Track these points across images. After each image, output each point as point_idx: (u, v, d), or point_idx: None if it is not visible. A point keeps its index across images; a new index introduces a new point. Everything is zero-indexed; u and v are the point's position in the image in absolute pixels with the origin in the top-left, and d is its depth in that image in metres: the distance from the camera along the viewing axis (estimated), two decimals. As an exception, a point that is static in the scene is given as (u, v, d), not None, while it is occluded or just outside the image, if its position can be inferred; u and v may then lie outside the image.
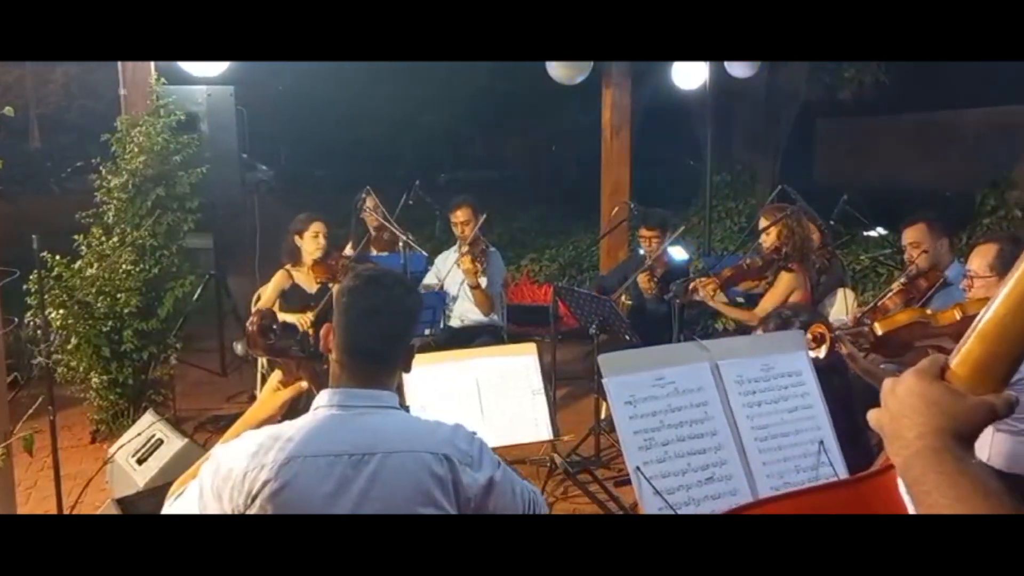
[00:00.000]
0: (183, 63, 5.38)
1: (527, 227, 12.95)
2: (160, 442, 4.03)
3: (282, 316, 4.78)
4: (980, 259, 3.36)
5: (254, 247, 6.12)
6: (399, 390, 2.88)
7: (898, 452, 0.92)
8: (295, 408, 1.98)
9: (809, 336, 2.40)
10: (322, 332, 1.87)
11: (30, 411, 3.65)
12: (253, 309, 4.73)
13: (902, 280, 4.31)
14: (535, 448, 4.34)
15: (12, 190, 13.19)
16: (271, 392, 2.08)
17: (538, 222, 13.43)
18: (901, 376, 0.95)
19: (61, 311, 4.92)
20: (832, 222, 5.38)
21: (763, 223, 4.72)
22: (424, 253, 5.66)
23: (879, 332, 3.38)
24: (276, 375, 2.08)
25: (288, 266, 5.09)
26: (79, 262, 5.06)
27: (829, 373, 2.37)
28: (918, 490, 0.88)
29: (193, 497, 1.80)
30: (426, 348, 4.65)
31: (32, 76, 20.59)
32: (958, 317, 3.20)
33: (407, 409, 2.75)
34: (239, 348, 5.22)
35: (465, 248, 5.20)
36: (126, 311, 5.04)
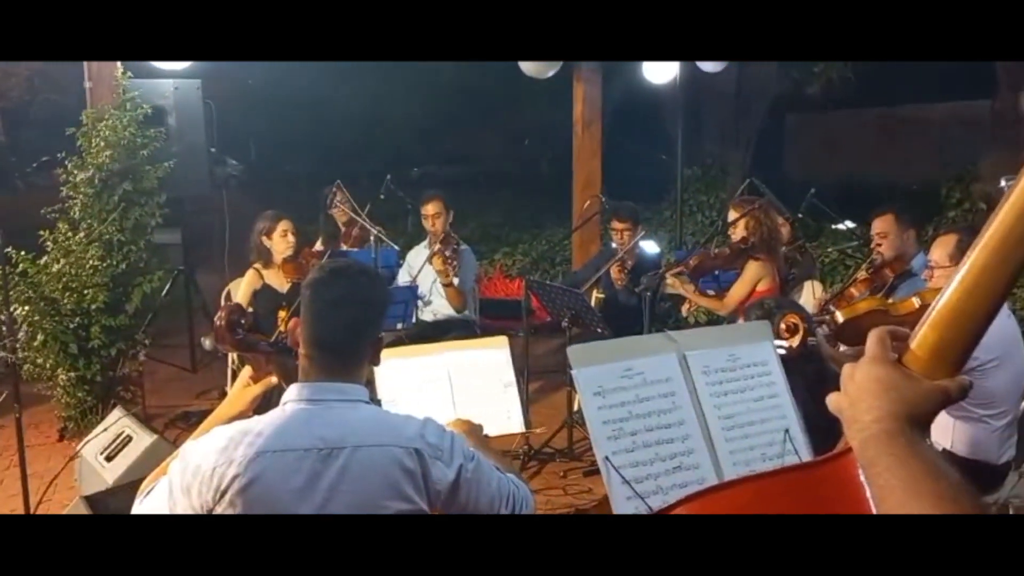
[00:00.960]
0: (149, 56, 5.31)
1: (499, 221, 12.94)
2: (129, 439, 3.99)
3: None
4: (941, 249, 3.43)
5: (223, 242, 6.07)
6: (370, 384, 2.89)
7: (855, 435, 0.94)
8: (266, 403, 1.98)
9: (783, 326, 2.44)
10: (290, 326, 1.87)
11: (-5, 409, 3.61)
12: (222, 304, 4.69)
13: (868, 269, 4.37)
14: (508, 441, 4.35)
15: (-25, 186, 12.96)
16: (241, 388, 2.07)
17: (510, 216, 13.43)
18: (859, 362, 0.97)
19: (27, 307, 4.85)
20: (800, 215, 5.43)
21: (732, 215, 4.76)
22: (395, 247, 5.64)
23: (840, 319, 3.46)
24: (246, 371, 2.08)
25: (258, 266, 5.03)
26: (45, 258, 5.00)
27: (803, 362, 2.41)
28: (872, 472, 0.90)
29: (162, 494, 1.80)
30: (398, 342, 4.65)
31: (-5, 70, 20.25)
32: (917, 305, 3.27)
33: (378, 403, 2.75)
34: (207, 343, 5.17)
35: (437, 246, 5.20)
36: (93, 307, 4.99)
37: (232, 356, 4.95)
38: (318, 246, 5.75)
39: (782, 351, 2.33)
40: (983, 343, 0.95)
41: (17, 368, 4.13)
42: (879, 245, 4.39)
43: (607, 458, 1.72)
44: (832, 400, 0.98)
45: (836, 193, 7.96)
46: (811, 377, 2.09)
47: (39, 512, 3.90)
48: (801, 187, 5.81)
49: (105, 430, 4.04)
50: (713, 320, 5.83)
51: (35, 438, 5.09)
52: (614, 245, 5.51)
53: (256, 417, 1.87)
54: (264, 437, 1.75)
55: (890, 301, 3.66)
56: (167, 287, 5.99)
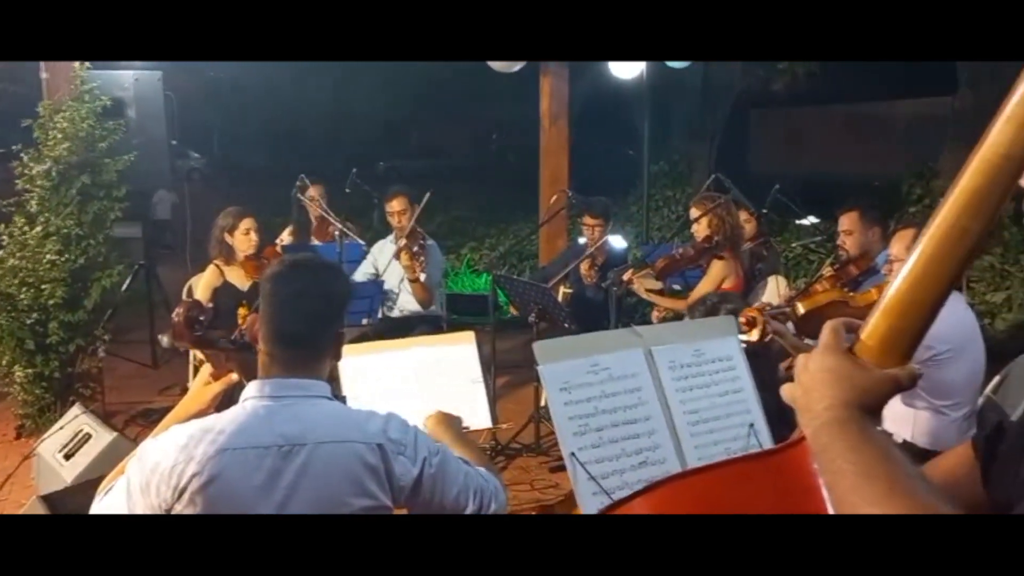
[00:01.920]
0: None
1: (467, 216, 12.92)
2: (88, 436, 3.91)
3: None
4: (900, 244, 3.49)
5: (184, 236, 5.98)
6: (334, 381, 2.85)
7: (808, 423, 0.95)
8: (228, 401, 1.94)
9: (742, 320, 2.45)
10: (248, 321, 1.83)
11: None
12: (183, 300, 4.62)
13: (833, 265, 4.41)
14: (475, 436, 4.34)
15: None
16: (202, 385, 2.04)
17: (478, 211, 13.41)
18: (812, 352, 0.98)
19: (-18, 303, 4.75)
20: (765, 211, 5.47)
21: (694, 213, 4.79)
22: (361, 242, 5.59)
23: (801, 311, 3.52)
24: (207, 368, 2.04)
25: (218, 262, 4.94)
26: (0, 252, 4.89)
27: (759, 356, 2.42)
28: (825, 458, 0.91)
29: (120, 493, 1.76)
30: (363, 338, 4.61)
31: (-51, 59, 19.75)
32: (876, 297, 3.31)
33: (343, 400, 2.71)
34: (165, 340, 5.08)
35: (403, 241, 5.16)
36: (51, 302, 4.89)
37: (194, 352, 4.87)
38: (286, 237, 5.69)
39: (742, 345, 2.34)
40: (938, 334, 0.96)
41: (-29, 365, 4.04)
42: (844, 242, 4.44)
43: (573, 454, 1.70)
44: (786, 390, 1.00)
45: (800, 189, 8.02)
46: (768, 370, 2.09)
47: (-6, 512, 3.81)
48: (766, 182, 5.85)
49: (63, 428, 3.97)
50: (682, 317, 5.85)
51: (-9, 436, 5.00)
52: (582, 240, 5.51)
53: (216, 415, 1.84)
54: (224, 435, 1.72)
55: (850, 293, 3.71)
56: (127, 282, 5.88)
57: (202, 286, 4.96)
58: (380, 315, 5.28)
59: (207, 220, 5.19)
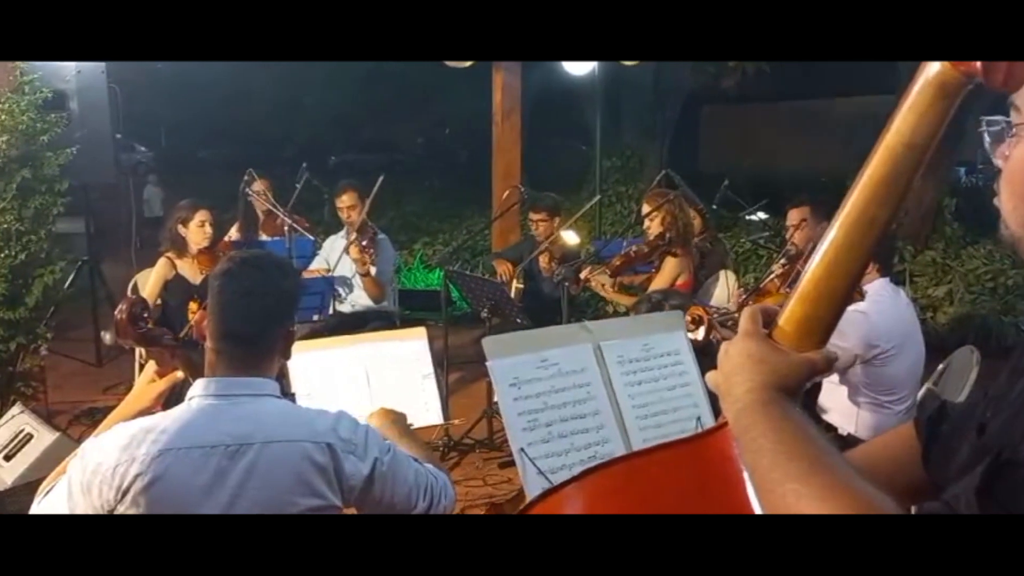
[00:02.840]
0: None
1: (420, 211, 12.86)
2: (30, 436, 3.82)
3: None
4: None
5: (131, 231, 5.86)
6: (283, 378, 2.82)
7: (730, 407, 0.97)
8: (175, 400, 1.91)
9: (688, 319, 2.48)
10: (195, 319, 1.81)
11: None
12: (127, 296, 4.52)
13: (782, 262, 4.48)
14: (427, 433, 4.33)
15: None
16: (145, 383, 2.00)
17: (431, 206, 13.35)
18: (733, 339, 1.01)
19: (-83, 301, 4.60)
20: (715, 206, 5.54)
21: (645, 209, 4.83)
22: (311, 237, 5.54)
23: None
24: (151, 366, 2.01)
25: (170, 254, 4.86)
26: (-64, 248, 4.74)
27: (706, 355, 2.46)
28: (746, 439, 0.93)
29: (61, 494, 1.73)
30: (314, 334, 4.57)
31: None
32: None
33: (292, 397, 2.69)
34: (108, 337, 4.99)
35: (353, 235, 5.12)
36: (-10, 300, 4.75)
37: (139, 350, 4.78)
38: (233, 233, 5.61)
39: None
40: (884, 332, 0.99)
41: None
42: (793, 236, 4.50)
43: (522, 450, 1.71)
44: (710, 377, 1.03)
45: (750, 185, 8.15)
46: (707, 369, 2.12)
47: (-69, 515, 3.70)
48: (717, 179, 5.93)
49: (2, 428, 3.87)
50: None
51: (-73, 438, 4.84)
52: (534, 234, 5.52)
53: (160, 413, 1.81)
54: (168, 434, 1.69)
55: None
56: (71, 278, 5.75)
57: (153, 279, 4.87)
58: (332, 311, 5.23)
59: (156, 215, 5.09)
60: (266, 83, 16.64)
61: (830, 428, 3.42)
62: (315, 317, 4.92)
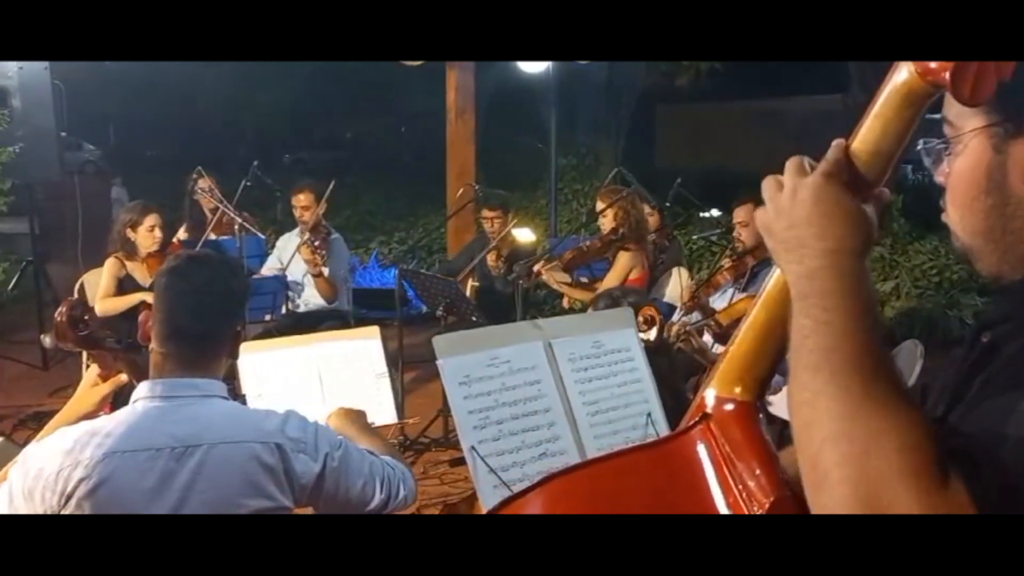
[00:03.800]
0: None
1: (375, 209, 12.77)
2: (-28, 443, 3.72)
3: (115, 303, 4.51)
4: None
5: (76, 232, 5.74)
6: (234, 379, 2.78)
7: (797, 261, 0.89)
8: (122, 403, 1.88)
9: (640, 319, 2.50)
10: (140, 319, 1.78)
11: None
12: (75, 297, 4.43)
13: (731, 257, 4.54)
14: (383, 432, 4.30)
15: None
16: (89, 387, 1.97)
17: (387, 204, 13.26)
18: (803, 179, 0.92)
19: None
20: (668, 204, 5.59)
21: (599, 205, 4.87)
22: (262, 236, 5.48)
23: (724, 323, 3.66)
24: (94, 369, 1.97)
25: (119, 255, 4.75)
26: None
27: (655, 355, 2.47)
28: (810, 306, 0.86)
29: (3, 500, 1.69)
30: (267, 334, 4.52)
31: None
32: None
33: (243, 398, 2.65)
34: (47, 340, 4.87)
35: (306, 235, 5.07)
36: (-70, 302, 4.63)
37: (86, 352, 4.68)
38: (181, 234, 5.52)
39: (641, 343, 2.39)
40: None
41: None
42: (740, 233, 4.56)
43: (473, 448, 1.71)
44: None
45: (703, 182, 8.24)
46: (662, 369, 2.14)
47: None
48: (672, 177, 5.98)
49: (-57, 434, 3.76)
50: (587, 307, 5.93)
51: None
52: (486, 231, 5.53)
53: (105, 416, 1.78)
54: (113, 437, 1.66)
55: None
56: (15, 280, 5.62)
57: (105, 280, 4.76)
58: (284, 310, 5.18)
59: (103, 214, 5.00)
60: (218, 80, 16.41)
61: (773, 419, 3.48)
62: (267, 317, 4.87)
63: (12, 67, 5.32)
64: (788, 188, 0.92)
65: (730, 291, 4.43)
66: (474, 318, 4.69)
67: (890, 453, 0.76)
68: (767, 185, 0.95)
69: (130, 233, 4.71)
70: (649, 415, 1.93)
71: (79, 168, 11.85)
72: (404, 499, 1.88)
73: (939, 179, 0.97)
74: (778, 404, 3.56)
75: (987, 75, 0.82)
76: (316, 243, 4.97)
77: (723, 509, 0.99)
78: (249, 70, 15.46)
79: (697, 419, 1.04)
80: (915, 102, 0.88)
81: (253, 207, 6.00)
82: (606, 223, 4.85)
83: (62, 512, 1.63)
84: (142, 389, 1.74)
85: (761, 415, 1.04)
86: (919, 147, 0.98)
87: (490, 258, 5.22)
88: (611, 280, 4.76)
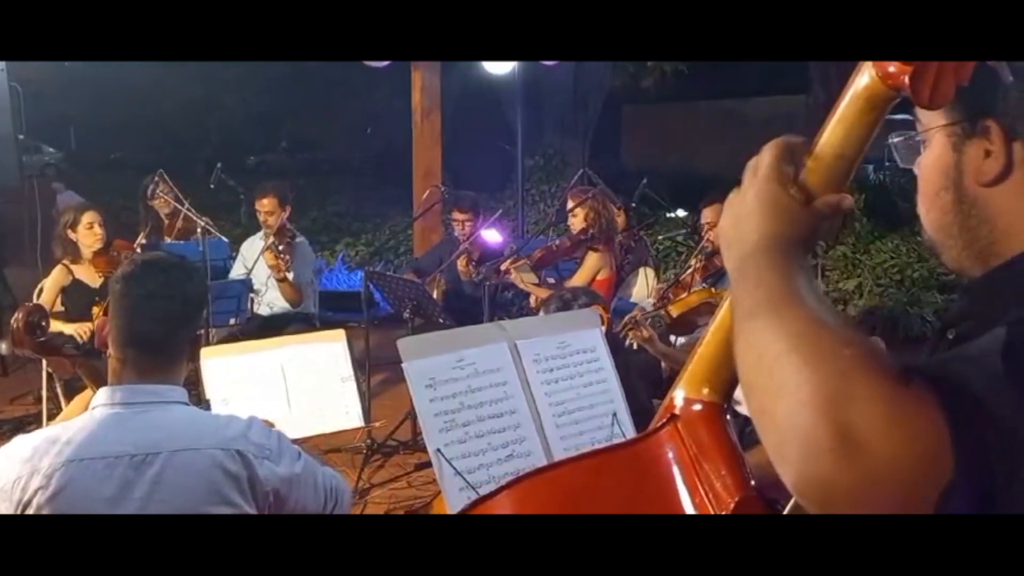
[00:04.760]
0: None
1: (342, 211, 12.70)
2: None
3: (61, 326, 4.44)
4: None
5: (35, 236, 5.63)
6: (198, 384, 2.75)
7: (735, 252, 0.93)
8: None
9: None
10: (96, 325, 1.74)
11: None
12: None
13: (700, 258, 4.57)
14: (350, 436, 4.28)
15: None
16: (82, 406, 1.93)
17: (353, 206, 13.19)
18: (750, 180, 0.96)
19: None
20: (634, 204, 5.62)
21: (570, 204, 4.88)
22: (225, 239, 5.42)
23: (674, 314, 3.69)
24: (87, 393, 1.93)
25: (66, 261, 4.70)
26: None
27: (612, 354, 2.49)
28: (741, 287, 0.89)
29: (-40, 510, 1.65)
30: (232, 338, 4.47)
31: None
32: None
33: (207, 404, 2.62)
34: (3, 347, 4.77)
35: (270, 238, 5.02)
36: None
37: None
38: (140, 239, 5.44)
39: None
40: None
41: None
42: (709, 234, 4.58)
43: (439, 450, 1.70)
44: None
45: (669, 183, 8.29)
46: (618, 368, 2.14)
47: None
48: (638, 177, 6.01)
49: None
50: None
51: None
52: (456, 234, 5.51)
53: (63, 423, 1.75)
54: (72, 445, 1.63)
55: (715, 291, 3.89)
56: (-28, 285, 5.51)
57: (48, 288, 4.72)
58: (249, 314, 5.13)
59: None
60: (182, 82, 16.23)
61: (737, 415, 3.51)
62: (232, 321, 4.82)
63: (-34, 69, 5.22)
64: (733, 195, 0.97)
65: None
66: (441, 320, 4.67)
67: (847, 354, 0.75)
68: (729, 197, 0.98)
69: (71, 234, 4.67)
70: (615, 415, 1.93)
71: (38, 171, 11.67)
72: (345, 510, 1.89)
73: (916, 170, 0.99)
74: (744, 405, 3.60)
75: (946, 79, 0.83)
76: (280, 247, 4.93)
77: (690, 509, 0.99)
78: (213, 72, 15.31)
79: (665, 420, 1.04)
80: (877, 106, 0.90)
81: (218, 210, 5.93)
82: (576, 223, 4.87)
83: (19, 522, 1.60)
84: (101, 396, 1.71)
85: (729, 416, 1.05)
86: (890, 141, 1.01)
87: (460, 263, 5.20)
88: (579, 280, 4.77)
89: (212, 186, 5.77)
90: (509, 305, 6.01)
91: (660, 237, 7.84)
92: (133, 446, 1.63)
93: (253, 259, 5.26)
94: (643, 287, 4.99)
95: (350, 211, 12.70)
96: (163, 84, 16.50)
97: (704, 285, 4.44)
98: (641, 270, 5.18)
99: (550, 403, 1.85)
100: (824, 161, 0.93)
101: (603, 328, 2.36)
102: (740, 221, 0.94)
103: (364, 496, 4.10)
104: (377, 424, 4.32)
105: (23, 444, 1.66)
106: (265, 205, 5.19)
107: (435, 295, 5.05)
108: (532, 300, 5.15)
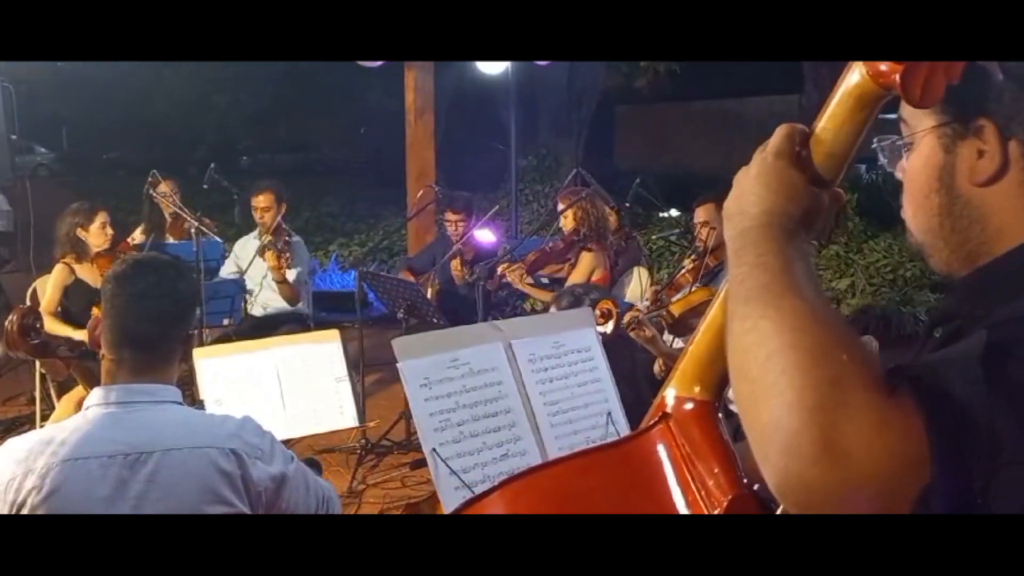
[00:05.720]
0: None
1: (336, 211, 12.70)
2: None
3: (62, 327, 4.43)
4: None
5: (28, 237, 5.62)
6: (192, 384, 2.75)
7: (736, 225, 0.92)
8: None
9: (597, 312, 2.52)
10: (89, 326, 1.74)
11: None
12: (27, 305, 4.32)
13: (693, 257, 4.57)
14: (344, 436, 4.28)
15: None
16: (73, 406, 1.93)
17: (347, 206, 13.19)
18: (757, 157, 0.96)
19: None
20: (628, 204, 5.63)
21: (560, 206, 4.89)
22: (219, 239, 5.41)
23: (676, 314, 3.66)
24: (78, 390, 1.93)
25: (68, 259, 4.68)
26: None
27: (614, 348, 2.50)
28: (739, 260, 0.88)
29: (-46, 512, 1.65)
30: (225, 339, 4.46)
31: None
32: None
33: (201, 404, 2.62)
34: (-3, 350, 4.75)
35: (267, 238, 5.01)
36: None
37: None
38: (137, 235, 5.43)
39: (599, 337, 2.42)
40: None
41: None
42: (702, 233, 4.59)
43: (434, 450, 1.71)
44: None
45: (663, 183, 8.31)
46: (624, 363, 2.15)
47: None
48: (632, 177, 6.02)
49: None
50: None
51: None
52: (449, 234, 5.51)
53: (57, 424, 1.75)
54: (66, 446, 1.63)
55: (715, 291, 3.91)
56: (-36, 286, 5.49)
57: (51, 287, 4.68)
58: (243, 314, 5.12)
59: (55, 219, 4.89)
60: (176, 82, 16.19)
61: (730, 413, 3.52)
62: (225, 321, 4.81)
63: (-42, 69, 5.20)
64: (741, 172, 0.96)
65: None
66: (435, 320, 4.67)
67: (839, 360, 0.76)
68: (738, 174, 0.98)
69: (81, 233, 4.64)
70: (609, 414, 1.93)
71: (31, 171, 11.65)
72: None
73: (898, 174, 0.99)
74: (733, 389, 3.61)
75: (936, 78, 0.83)
76: (279, 246, 4.92)
77: (682, 508, 0.99)
78: (207, 72, 15.28)
79: (657, 419, 1.04)
80: (867, 104, 0.90)
81: (211, 210, 5.92)
82: (567, 224, 4.87)
83: (14, 523, 1.60)
84: (95, 396, 1.71)
85: (721, 414, 1.05)
86: (874, 144, 1.00)
87: (454, 265, 5.21)
88: (573, 280, 4.78)
89: (205, 186, 5.76)
90: (503, 305, 6.02)
91: (654, 237, 7.86)
92: (128, 445, 1.63)
93: (247, 259, 5.25)
94: (637, 287, 5.00)
95: (344, 211, 12.70)
96: (156, 85, 16.46)
97: (699, 285, 4.45)
98: (635, 270, 5.19)
99: (545, 402, 1.86)
100: (816, 160, 0.93)
101: (614, 323, 2.37)
102: (743, 194, 0.94)
103: (358, 496, 4.10)
104: (371, 424, 4.33)
105: (16, 445, 1.66)
106: (261, 202, 5.18)
107: (429, 295, 5.05)
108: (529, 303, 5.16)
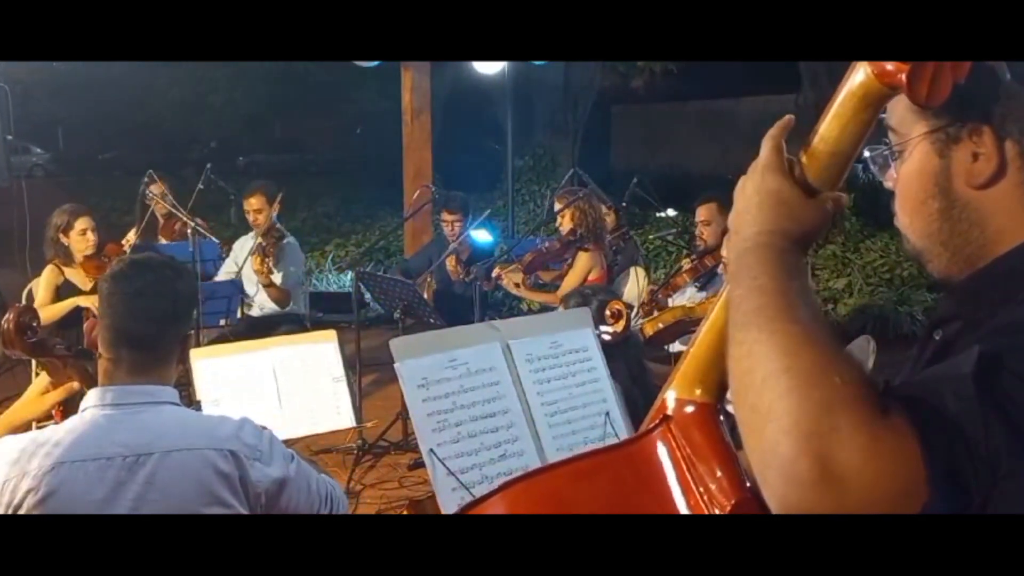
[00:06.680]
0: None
1: (332, 212, 12.69)
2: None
3: (58, 308, 4.41)
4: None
5: (24, 238, 5.59)
6: (189, 385, 2.74)
7: (735, 246, 0.93)
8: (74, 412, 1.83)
9: (608, 312, 2.53)
10: (86, 327, 1.74)
11: None
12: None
13: (691, 257, 4.58)
14: (341, 436, 4.28)
15: None
16: (38, 394, 1.91)
17: (343, 206, 13.19)
18: (750, 171, 0.95)
19: None
20: (624, 204, 5.63)
21: (557, 206, 4.90)
22: (216, 240, 5.40)
23: (648, 333, 3.73)
24: (44, 377, 1.92)
25: (57, 261, 4.67)
26: None
27: (624, 346, 2.51)
28: (739, 281, 0.88)
29: (-53, 513, 1.64)
30: (222, 339, 4.45)
31: None
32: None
33: (198, 405, 2.61)
34: (-6, 349, 4.73)
35: (259, 239, 5.00)
36: None
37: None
38: (131, 237, 5.42)
39: (608, 336, 2.42)
40: None
41: None
42: (703, 232, 4.58)
43: (432, 450, 1.70)
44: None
45: (659, 182, 8.30)
46: (633, 361, 2.15)
47: None
48: (628, 177, 6.02)
49: None
50: (546, 309, 5.95)
51: None
52: (445, 234, 5.51)
53: (54, 425, 1.74)
54: (62, 447, 1.62)
55: (688, 306, 3.94)
56: (-41, 287, 5.47)
57: (43, 287, 4.67)
58: (240, 314, 5.11)
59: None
60: (171, 82, 16.16)
61: (729, 415, 3.53)
62: (222, 322, 4.81)
63: (-47, 69, 5.18)
64: (738, 186, 0.96)
65: (689, 291, 4.48)
66: (432, 320, 4.67)
67: (832, 384, 0.77)
68: (737, 186, 0.98)
69: (62, 238, 4.64)
70: (607, 414, 1.93)
71: (27, 172, 11.62)
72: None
73: (888, 184, 0.99)
74: (735, 411, 3.62)
75: (943, 77, 0.82)
76: (265, 247, 4.90)
77: (684, 511, 0.99)
78: (203, 72, 15.25)
79: (658, 421, 1.04)
80: (872, 104, 0.89)
81: (208, 211, 5.90)
82: (564, 224, 4.87)
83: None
84: (91, 397, 1.70)
85: (722, 417, 1.05)
86: (866, 155, 0.99)
87: (449, 263, 5.20)
88: (571, 281, 4.78)
89: (201, 187, 5.75)
90: (500, 305, 6.02)
91: (651, 237, 7.86)
92: (125, 447, 1.62)
93: (244, 259, 5.25)
94: (634, 287, 5.00)
95: (340, 212, 12.70)
96: (152, 85, 16.42)
97: (695, 286, 4.46)
98: (632, 270, 5.19)
99: (543, 403, 1.86)
100: (819, 159, 0.93)
101: (624, 322, 2.38)
102: (739, 212, 0.94)
103: (355, 496, 4.09)
104: (368, 424, 4.32)
105: (11, 446, 1.64)
106: (252, 204, 5.18)
107: (426, 296, 5.05)
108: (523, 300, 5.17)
